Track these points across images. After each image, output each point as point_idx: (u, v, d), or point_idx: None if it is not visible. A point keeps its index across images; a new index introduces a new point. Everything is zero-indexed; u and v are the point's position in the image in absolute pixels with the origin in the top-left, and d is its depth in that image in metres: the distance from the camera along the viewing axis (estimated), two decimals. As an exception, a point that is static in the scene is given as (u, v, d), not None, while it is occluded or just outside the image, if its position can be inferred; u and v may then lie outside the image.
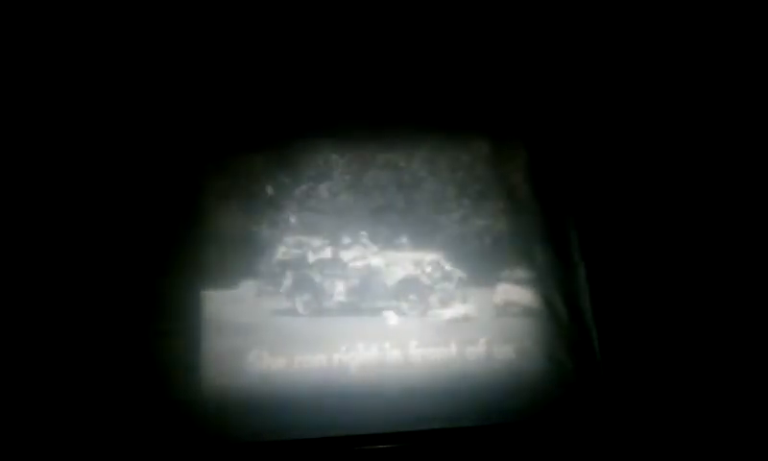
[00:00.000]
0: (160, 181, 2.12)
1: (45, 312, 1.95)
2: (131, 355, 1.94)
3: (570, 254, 2.08)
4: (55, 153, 2.10)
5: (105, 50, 2.19)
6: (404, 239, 2.14)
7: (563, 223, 2.11)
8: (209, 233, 2.12)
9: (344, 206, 2.17)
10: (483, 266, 2.10)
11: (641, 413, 1.89)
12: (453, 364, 1.99)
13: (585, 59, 2.21)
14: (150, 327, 1.98)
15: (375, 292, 2.11)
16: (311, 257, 2.14)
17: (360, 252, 2.14)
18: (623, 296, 2.00)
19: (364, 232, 2.14)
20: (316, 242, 2.15)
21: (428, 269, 2.12)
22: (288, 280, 2.11)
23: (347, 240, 2.15)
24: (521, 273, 2.08)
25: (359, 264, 2.13)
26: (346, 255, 2.14)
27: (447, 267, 2.11)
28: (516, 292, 2.07)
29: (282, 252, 2.13)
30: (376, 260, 2.14)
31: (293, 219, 2.15)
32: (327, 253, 2.14)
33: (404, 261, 2.14)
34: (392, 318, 2.06)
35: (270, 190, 2.17)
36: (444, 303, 2.08)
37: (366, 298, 2.11)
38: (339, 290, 2.11)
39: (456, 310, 2.06)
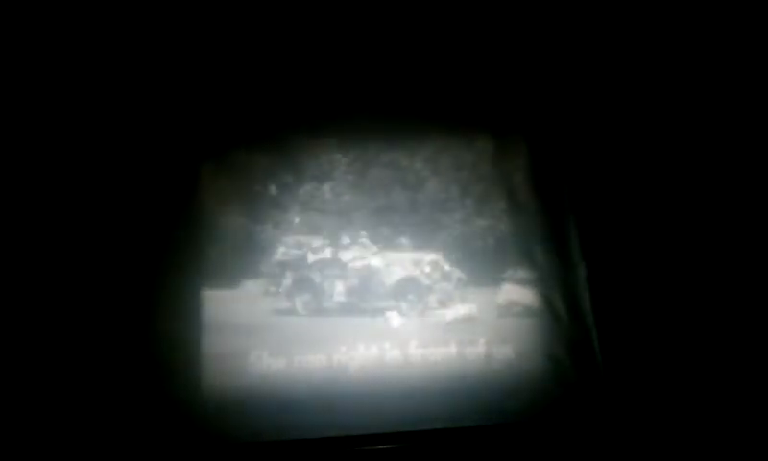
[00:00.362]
0: (160, 180, 2.12)
1: (44, 312, 1.95)
2: (130, 355, 1.94)
3: (570, 255, 2.08)
4: (54, 152, 2.10)
5: (103, 47, 2.18)
6: (405, 239, 2.14)
7: (563, 223, 2.11)
8: (210, 233, 2.12)
9: (346, 205, 2.17)
10: (483, 266, 2.10)
11: (641, 413, 1.89)
12: (453, 364, 1.99)
13: (585, 60, 2.21)
14: (149, 326, 1.98)
15: (375, 292, 2.11)
16: (312, 257, 2.14)
17: (360, 252, 2.14)
18: (623, 296, 2.00)
19: (365, 232, 2.14)
20: (317, 242, 2.15)
21: (429, 269, 2.12)
22: (289, 280, 2.11)
23: (347, 240, 2.14)
24: (521, 273, 2.08)
25: (360, 264, 2.13)
26: (346, 255, 2.14)
27: (448, 267, 2.11)
28: (516, 292, 2.07)
29: (283, 252, 2.13)
30: (377, 260, 2.14)
31: (295, 219, 2.15)
32: (328, 253, 2.14)
33: (405, 261, 2.13)
34: (392, 318, 2.06)
35: (272, 190, 2.17)
36: (445, 303, 2.08)
37: (366, 298, 2.10)
38: (339, 290, 2.11)
39: (456, 310, 2.06)
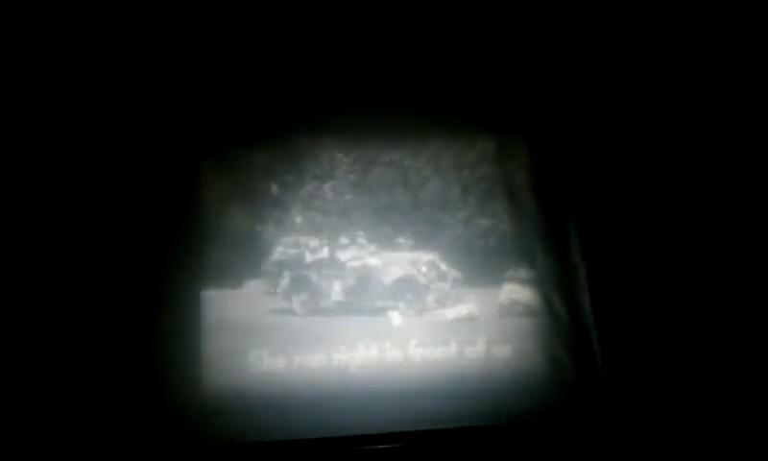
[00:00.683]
0: (160, 179, 2.12)
1: (44, 312, 1.95)
2: (130, 355, 1.94)
3: (570, 255, 2.08)
4: (53, 152, 2.09)
5: (102, 45, 2.17)
6: (404, 239, 2.14)
7: (563, 223, 2.11)
8: (210, 232, 2.12)
9: (348, 204, 2.16)
10: (483, 266, 2.10)
11: (641, 414, 1.89)
12: (453, 364, 1.99)
13: (586, 60, 2.20)
14: (149, 326, 1.98)
15: (375, 292, 2.11)
16: (314, 257, 2.14)
17: (359, 252, 2.14)
18: (623, 296, 2.00)
19: (367, 232, 2.14)
20: (319, 242, 2.14)
21: (428, 269, 2.12)
22: (291, 280, 2.10)
23: (348, 239, 2.14)
24: (522, 273, 2.08)
25: (359, 263, 2.13)
26: (348, 255, 2.14)
27: (447, 267, 2.11)
28: (516, 292, 2.07)
29: (284, 251, 2.13)
30: (378, 260, 2.13)
31: (297, 218, 2.15)
32: (329, 252, 2.14)
33: (404, 261, 2.13)
34: (392, 318, 2.06)
35: (273, 189, 2.17)
36: (444, 302, 2.08)
37: (366, 298, 2.10)
38: (337, 290, 2.11)
39: (456, 310, 2.06)
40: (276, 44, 2.24)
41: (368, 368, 1.98)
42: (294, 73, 2.24)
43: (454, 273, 2.10)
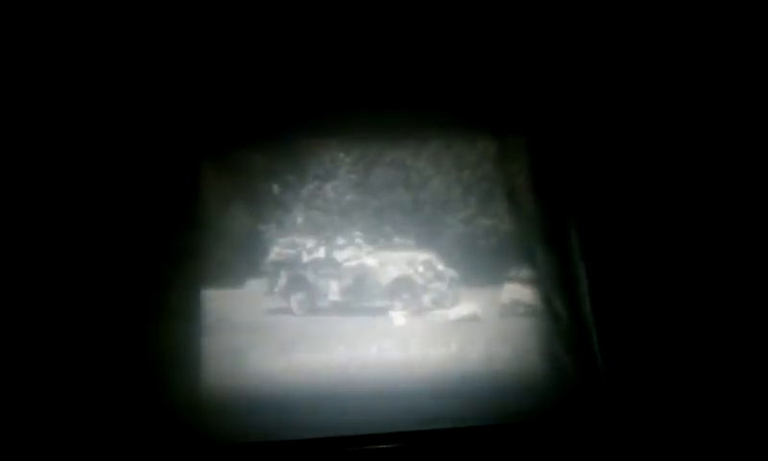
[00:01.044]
0: (160, 179, 2.12)
1: (44, 312, 1.95)
2: (130, 355, 1.94)
3: (570, 254, 2.08)
4: (53, 152, 2.09)
5: (102, 45, 2.17)
6: (405, 239, 2.14)
7: (563, 223, 2.11)
8: (210, 232, 2.12)
9: (349, 205, 2.16)
10: (483, 266, 2.10)
11: (641, 413, 1.89)
12: (453, 364, 1.99)
13: (586, 59, 2.20)
14: (149, 326, 1.98)
15: (375, 292, 2.11)
16: (314, 257, 2.14)
17: (360, 252, 2.14)
18: (623, 296, 2.00)
19: (367, 232, 2.14)
20: (321, 242, 2.14)
21: (429, 269, 2.12)
22: (291, 281, 2.10)
23: (351, 240, 2.14)
24: (522, 273, 2.08)
25: (359, 263, 2.13)
26: (348, 255, 2.14)
27: (447, 267, 2.11)
28: (516, 292, 2.07)
29: (285, 251, 2.13)
30: (379, 259, 2.13)
31: (299, 218, 2.15)
32: (330, 252, 2.14)
33: (404, 261, 2.13)
34: (392, 318, 2.06)
35: (274, 189, 2.17)
36: (445, 302, 2.08)
37: (366, 298, 2.10)
38: (338, 290, 2.11)
39: (456, 310, 2.06)
40: (278, 45, 2.24)
41: (368, 368, 1.99)
42: (295, 73, 2.24)
43: (457, 273, 2.10)
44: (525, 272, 2.08)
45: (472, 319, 2.05)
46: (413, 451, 1.89)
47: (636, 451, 1.85)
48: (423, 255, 2.13)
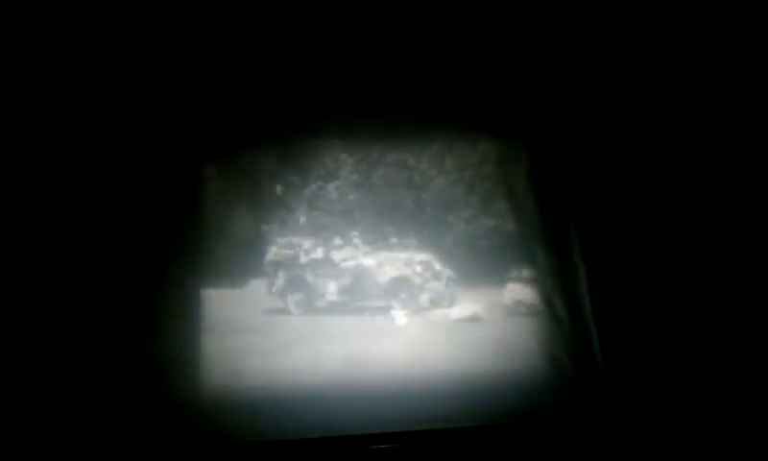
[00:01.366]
0: (162, 181, 2.12)
1: (45, 312, 1.95)
2: (131, 355, 1.94)
3: (570, 255, 2.08)
4: (56, 154, 2.10)
5: (105, 47, 2.18)
6: (406, 239, 2.14)
7: (563, 223, 2.11)
8: (211, 233, 2.12)
9: (352, 205, 2.17)
10: (483, 267, 2.10)
11: (641, 413, 1.89)
12: (453, 364, 1.99)
13: (586, 60, 2.20)
14: (150, 326, 1.98)
15: (373, 292, 2.11)
16: (315, 256, 2.14)
17: (360, 252, 2.14)
18: (623, 296, 2.00)
19: (370, 233, 2.14)
20: (322, 241, 2.15)
21: (429, 269, 2.12)
22: (290, 281, 2.11)
23: (352, 239, 2.15)
24: (522, 273, 2.08)
25: (362, 263, 2.13)
26: (348, 255, 2.14)
27: (447, 267, 2.11)
28: (516, 292, 2.07)
29: (285, 252, 2.13)
30: (379, 259, 2.14)
31: (301, 219, 2.15)
32: (331, 252, 2.14)
33: (405, 261, 2.14)
34: (391, 318, 2.06)
35: (276, 190, 2.17)
36: (445, 302, 2.08)
37: (366, 298, 2.11)
38: (339, 290, 2.11)
39: (456, 310, 2.06)
40: (281, 47, 2.25)
41: (368, 368, 1.99)
42: (298, 75, 2.25)
43: (457, 273, 2.10)
44: (526, 272, 2.08)
45: (472, 319, 2.05)
46: (413, 451, 1.89)
47: (636, 451, 1.84)
48: (423, 256, 2.13)
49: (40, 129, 2.11)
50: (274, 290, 2.09)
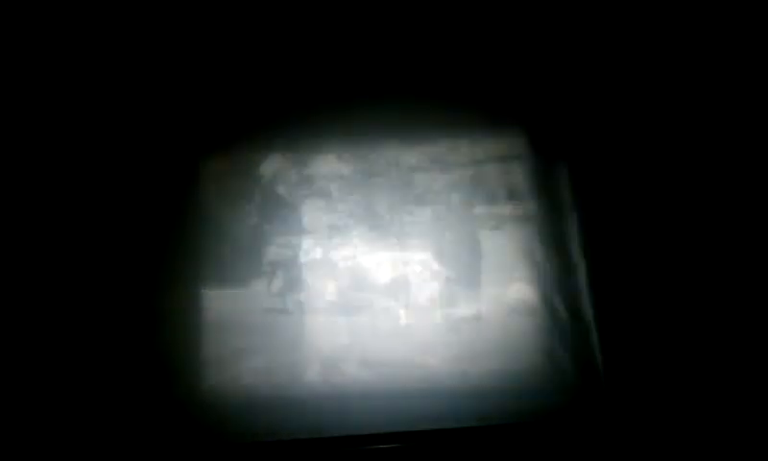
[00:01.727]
0: (159, 177, 2.12)
1: (42, 312, 1.95)
2: (129, 355, 1.94)
3: (570, 255, 2.07)
4: (49, 149, 2.09)
5: (100, 40, 2.17)
6: (405, 239, 2.14)
7: (563, 223, 2.11)
8: (210, 232, 2.12)
9: (349, 202, 2.16)
10: (482, 266, 2.10)
11: (642, 414, 1.89)
12: (452, 364, 1.99)
13: (588, 59, 2.20)
14: (149, 326, 1.98)
15: (375, 292, 2.11)
16: (316, 257, 2.13)
17: (362, 249, 2.14)
18: (624, 296, 2.00)
19: (367, 231, 2.14)
20: (322, 241, 2.14)
21: (428, 268, 2.12)
22: (291, 281, 2.10)
23: (351, 238, 2.14)
24: (522, 273, 2.08)
25: (362, 262, 2.13)
26: (351, 255, 2.14)
27: (446, 266, 2.11)
28: (515, 292, 2.07)
29: (285, 251, 2.12)
30: (379, 258, 2.13)
31: (300, 218, 2.15)
32: (333, 251, 2.14)
33: (404, 260, 2.13)
34: (392, 318, 2.06)
35: (276, 188, 2.16)
36: (444, 302, 2.08)
37: (366, 297, 2.10)
38: (338, 290, 2.11)
39: (455, 310, 2.06)
40: (278, 40, 2.23)
41: (368, 367, 1.99)
42: (296, 70, 2.24)
43: (452, 273, 2.10)
44: (525, 272, 2.08)
45: (472, 319, 2.05)
46: (413, 451, 1.89)
47: (637, 452, 1.85)
48: (423, 255, 2.12)
49: (32, 125, 2.10)
50: (273, 290, 2.09)
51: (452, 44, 2.25)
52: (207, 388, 1.95)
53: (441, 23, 2.25)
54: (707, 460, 1.83)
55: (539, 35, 2.23)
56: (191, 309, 2.02)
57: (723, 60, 2.13)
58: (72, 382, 1.90)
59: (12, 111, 2.09)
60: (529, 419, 1.91)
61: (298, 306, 2.08)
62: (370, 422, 1.91)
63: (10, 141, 2.07)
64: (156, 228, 2.07)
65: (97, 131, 2.12)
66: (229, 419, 1.91)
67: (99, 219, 2.05)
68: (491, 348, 2.01)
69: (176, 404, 1.92)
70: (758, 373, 1.89)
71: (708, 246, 2.01)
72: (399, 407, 1.92)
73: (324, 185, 2.18)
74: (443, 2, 2.25)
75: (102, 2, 2.15)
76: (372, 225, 2.15)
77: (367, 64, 2.24)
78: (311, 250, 2.14)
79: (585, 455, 1.87)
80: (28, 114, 2.10)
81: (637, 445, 1.86)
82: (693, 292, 1.97)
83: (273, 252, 2.12)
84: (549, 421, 1.92)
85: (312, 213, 2.16)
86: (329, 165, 2.20)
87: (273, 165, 2.19)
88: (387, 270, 2.11)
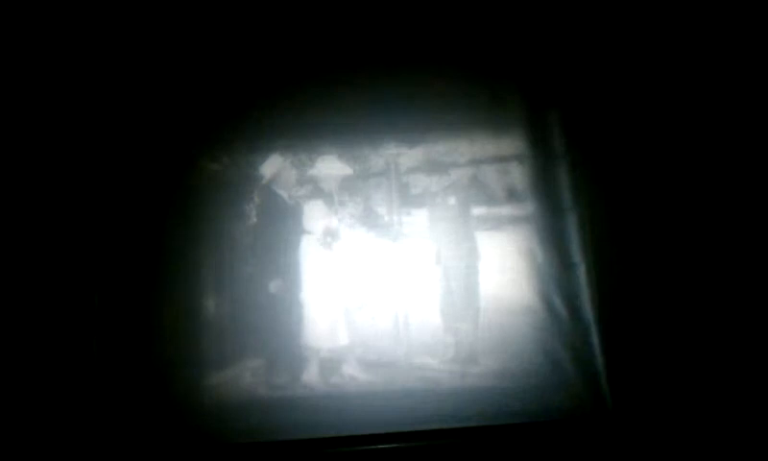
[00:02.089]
0: (160, 180, 2.12)
1: (43, 313, 1.95)
2: (130, 355, 1.95)
3: (570, 254, 2.07)
4: (52, 150, 2.09)
5: (101, 42, 2.16)
6: (403, 238, 2.14)
7: (563, 223, 2.10)
8: (210, 233, 2.12)
9: (347, 201, 2.16)
10: (483, 266, 2.09)
11: (641, 414, 1.89)
12: (453, 364, 1.99)
13: (589, 55, 2.19)
14: (149, 326, 1.98)
15: (375, 292, 2.10)
16: (315, 257, 2.13)
17: (362, 244, 2.13)
18: (623, 296, 2.00)
19: (365, 229, 2.14)
20: (322, 242, 2.14)
21: (428, 267, 2.12)
22: (290, 281, 2.10)
23: (352, 237, 2.14)
24: (522, 273, 2.08)
25: (363, 265, 2.13)
26: (352, 253, 2.13)
27: (446, 266, 2.10)
28: (516, 291, 2.07)
29: (285, 251, 2.12)
30: (378, 255, 2.13)
31: (301, 219, 2.15)
32: (331, 252, 2.14)
33: (403, 259, 2.13)
34: (392, 318, 2.05)
35: (277, 189, 2.16)
36: (444, 303, 2.08)
37: (366, 297, 2.10)
38: (338, 289, 2.11)
39: (455, 310, 2.06)
40: (278, 42, 2.23)
41: (368, 367, 1.99)
42: (295, 71, 2.23)
43: (456, 272, 2.09)
44: (525, 271, 2.08)
45: (472, 319, 2.05)
46: (413, 451, 1.89)
47: (636, 451, 1.85)
48: (423, 255, 2.12)
49: (37, 127, 2.09)
50: (273, 290, 2.09)
51: (451, 36, 2.23)
52: (207, 388, 1.95)
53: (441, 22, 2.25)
54: (707, 458, 1.83)
55: (541, 23, 2.22)
56: (191, 310, 2.02)
57: (722, 60, 2.12)
58: (74, 382, 1.90)
59: (11, 112, 2.09)
60: (529, 419, 1.92)
61: (297, 306, 2.08)
62: (369, 422, 1.91)
63: (9, 141, 2.07)
64: (155, 228, 2.07)
65: (97, 132, 2.12)
66: (229, 419, 1.91)
67: (98, 219, 2.05)
68: (491, 348, 2.01)
69: (175, 404, 1.92)
70: (758, 372, 1.89)
71: (707, 246, 2.01)
72: (399, 407, 1.92)
73: (324, 186, 2.18)
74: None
75: (101, 3, 2.15)
76: (371, 225, 2.15)
77: (374, 76, 2.24)
78: (311, 250, 2.14)
79: (585, 454, 1.87)
80: (27, 114, 2.10)
81: (638, 444, 1.86)
82: (693, 291, 1.97)
83: (272, 252, 2.12)
84: (549, 420, 1.92)
85: (312, 214, 2.16)
86: (329, 166, 2.20)
87: (273, 166, 2.19)
88: (386, 270, 2.11)
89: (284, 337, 2.02)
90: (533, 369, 1.98)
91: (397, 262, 2.12)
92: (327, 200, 2.17)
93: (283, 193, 2.17)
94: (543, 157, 2.16)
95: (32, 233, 2.01)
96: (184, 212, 2.11)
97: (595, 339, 1.99)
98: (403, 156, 2.19)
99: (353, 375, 1.98)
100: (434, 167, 2.18)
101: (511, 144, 2.20)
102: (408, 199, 2.16)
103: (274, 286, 2.09)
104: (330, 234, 2.15)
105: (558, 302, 2.04)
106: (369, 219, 2.15)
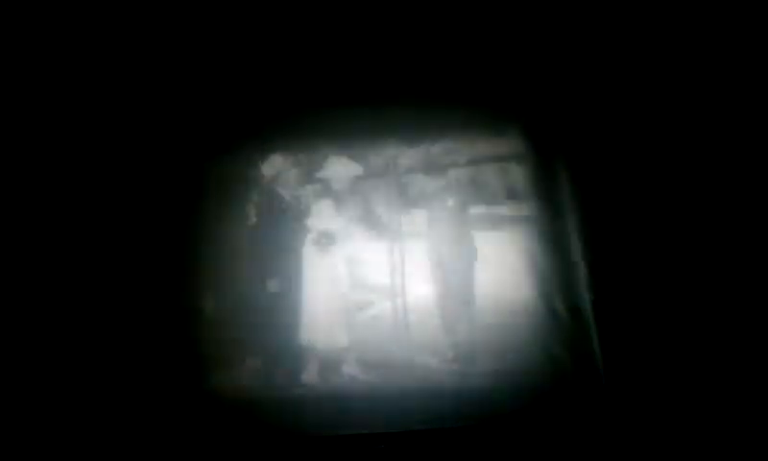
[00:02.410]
0: (165, 181, 2.14)
1: (45, 312, 1.97)
2: (132, 355, 1.95)
3: (570, 254, 2.07)
4: (60, 153, 2.10)
5: (108, 45, 2.17)
6: (402, 238, 2.14)
7: (563, 223, 2.11)
8: (212, 234, 2.12)
9: (349, 205, 2.17)
10: (483, 266, 2.10)
11: (641, 413, 1.89)
12: (453, 364, 1.99)
13: (587, 63, 2.20)
14: (151, 326, 1.99)
15: (375, 292, 2.11)
16: (315, 257, 2.13)
17: (358, 251, 2.14)
18: (623, 295, 2.00)
19: (366, 231, 2.14)
20: (322, 242, 2.14)
21: (428, 267, 2.12)
22: (290, 281, 2.10)
23: (352, 237, 2.14)
24: (522, 272, 2.08)
25: (362, 265, 2.13)
26: (353, 254, 2.14)
27: (446, 266, 2.11)
28: (516, 291, 2.07)
29: (285, 252, 2.13)
30: (377, 256, 2.13)
31: (303, 220, 2.15)
32: (332, 252, 2.14)
33: (403, 259, 2.13)
34: (392, 318, 2.06)
35: (279, 191, 2.17)
36: (444, 302, 2.08)
37: (366, 297, 2.10)
38: (338, 289, 2.11)
39: (455, 310, 2.06)
40: (282, 47, 2.25)
41: (368, 368, 1.99)
42: (296, 73, 2.24)
43: (452, 272, 2.10)
44: (525, 271, 2.08)
45: (472, 318, 2.05)
46: (413, 451, 1.89)
47: (635, 449, 1.85)
48: (423, 255, 2.12)
49: (43, 131, 2.11)
50: (273, 290, 2.09)
51: (452, 44, 2.25)
52: (207, 388, 1.95)
53: (440, 24, 2.25)
54: (704, 456, 1.83)
55: (538, 35, 2.24)
56: (191, 310, 2.02)
57: (722, 60, 2.13)
58: (75, 382, 1.91)
59: (17, 116, 2.10)
60: (529, 419, 1.91)
61: (297, 306, 2.08)
62: (370, 422, 1.91)
63: (16, 145, 2.08)
64: (157, 230, 2.08)
65: (101, 134, 2.13)
66: (231, 419, 1.91)
67: (102, 221, 2.06)
68: (490, 348, 2.01)
69: (176, 404, 1.92)
70: (757, 370, 1.89)
71: (706, 245, 2.01)
72: (399, 407, 1.92)
73: (324, 186, 2.19)
74: (442, 2, 2.25)
75: (106, 7, 2.16)
76: (372, 225, 2.15)
77: (366, 66, 2.25)
78: (311, 250, 2.14)
79: (585, 453, 1.87)
80: (34, 119, 2.11)
81: (637, 442, 1.85)
82: (691, 290, 1.97)
83: (272, 252, 2.12)
84: (549, 420, 1.92)
85: (312, 214, 2.16)
86: (329, 166, 2.20)
87: (273, 167, 2.20)
88: (386, 270, 2.11)
89: (284, 337, 2.02)
90: (533, 369, 1.98)
91: (397, 262, 2.12)
92: (328, 200, 2.17)
93: (284, 194, 2.18)
94: (543, 157, 2.17)
95: (32, 233, 2.02)
96: (186, 214, 2.13)
97: (595, 339, 1.99)
98: (403, 156, 2.20)
99: (353, 374, 1.98)
100: (437, 173, 2.19)
101: (511, 144, 2.22)
102: (408, 199, 2.16)
103: (274, 286, 2.09)
104: (330, 234, 2.15)
105: (557, 302, 2.04)
106: (369, 219, 2.15)
